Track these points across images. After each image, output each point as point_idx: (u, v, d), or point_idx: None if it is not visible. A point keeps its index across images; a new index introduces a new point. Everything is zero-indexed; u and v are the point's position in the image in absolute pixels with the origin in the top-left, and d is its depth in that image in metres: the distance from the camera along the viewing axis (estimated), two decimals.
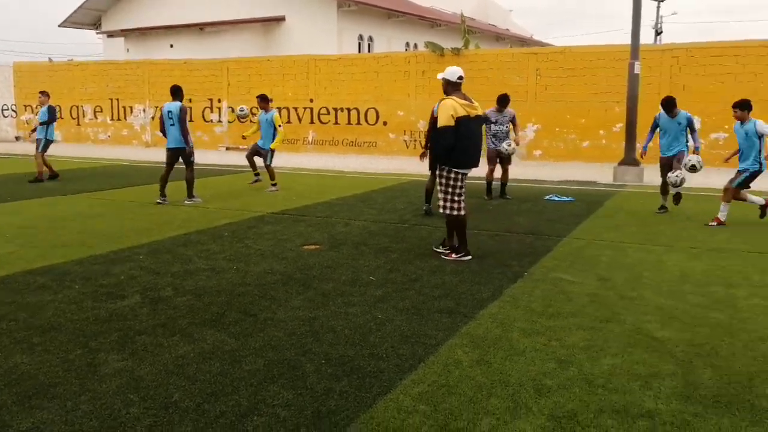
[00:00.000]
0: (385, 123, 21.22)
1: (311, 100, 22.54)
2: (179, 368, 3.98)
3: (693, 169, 9.09)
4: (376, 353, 4.24)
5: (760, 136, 8.58)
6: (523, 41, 46.34)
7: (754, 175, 8.79)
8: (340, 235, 8.06)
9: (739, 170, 8.91)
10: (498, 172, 11.43)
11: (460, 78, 6.63)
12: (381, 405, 3.51)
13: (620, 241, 7.80)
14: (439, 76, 6.73)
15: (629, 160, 14.63)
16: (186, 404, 3.51)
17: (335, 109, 22.17)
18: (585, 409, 3.48)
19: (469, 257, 6.83)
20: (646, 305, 5.30)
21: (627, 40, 15.37)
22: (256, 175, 12.59)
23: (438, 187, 6.85)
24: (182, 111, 10.40)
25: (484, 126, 11.02)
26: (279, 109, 22.84)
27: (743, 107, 8.70)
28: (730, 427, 3.30)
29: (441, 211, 6.85)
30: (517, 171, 15.18)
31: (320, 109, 22.41)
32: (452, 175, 6.65)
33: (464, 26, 23.34)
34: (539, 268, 6.52)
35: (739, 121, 8.82)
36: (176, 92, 10.64)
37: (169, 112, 10.48)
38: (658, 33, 50.33)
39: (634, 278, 6.13)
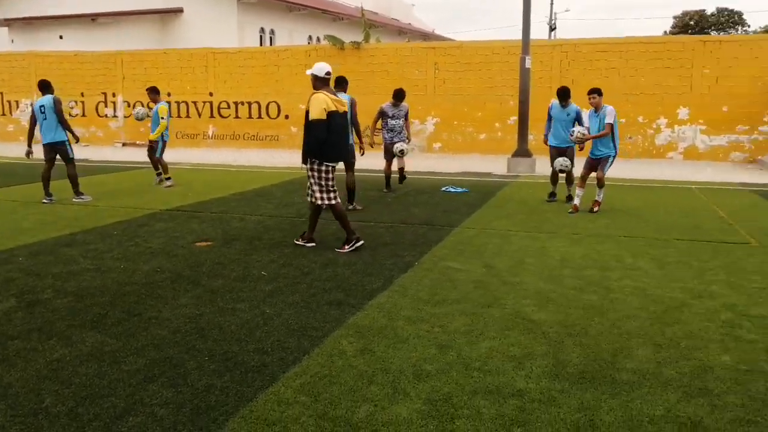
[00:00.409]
0: (287, 116, 21.08)
1: (211, 94, 22.07)
2: (53, 372, 3.85)
3: (580, 140, 9.43)
4: (261, 348, 4.25)
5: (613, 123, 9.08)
6: (426, 36, 47.08)
7: (613, 159, 9.35)
8: (235, 231, 7.97)
9: (599, 157, 9.35)
10: (397, 164, 11.60)
11: (328, 74, 6.82)
12: (262, 398, 3.53)
13: (508, 230, 8.11)
14: (308, 72, 6.87)
15: (522, 151, 15.20)
16: (57, 409, 3.40)
17: (236, 103, 21.81)
18: (460, 392, 3.63)
19: (361, 242, 6.98)
20: (527, 290, 5.56)
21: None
22: (158, 174, 12.19)
23: (310, 180, 6.93)
24: (56, 103, 10.04)
25: (379, 120, 11.22)
26: (178, 103, 22.27)
27: (600, 93, 9.21)
28: (592, 401, 3.53)
29: (319, 203, 6.94)
30: (417, 164, 15.47)
31: (220, 103, 21.99)
32: (323, 168, 6.81)
33: (364, 20, 23.46)
34: (430, 257, 6.70)
35: (593, 108, 9.30)
36: (45, 87, 10.27)
37: (41, 107, 10.04)
38: (552, 29, 52.35)
39: (518, 264, 6.41)
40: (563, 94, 10.01)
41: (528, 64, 15.31)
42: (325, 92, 6.69)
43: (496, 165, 15.79)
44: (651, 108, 18.22)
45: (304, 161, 6.88)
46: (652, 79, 18.27)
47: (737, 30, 53.35)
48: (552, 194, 10.42)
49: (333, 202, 6.92)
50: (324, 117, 6.56)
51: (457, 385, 3.72)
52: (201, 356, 4.10)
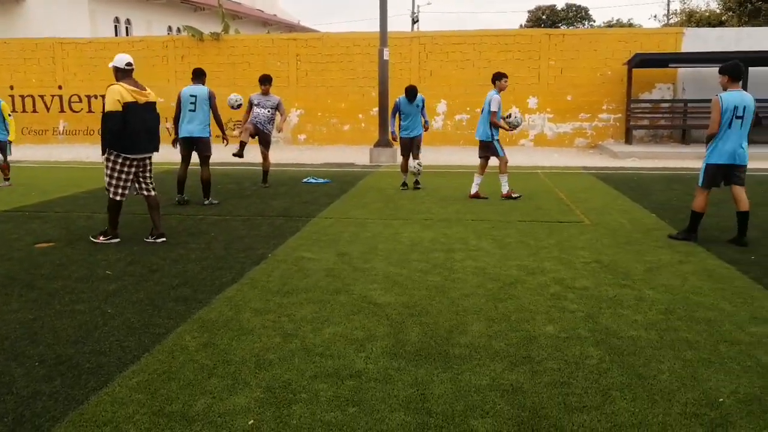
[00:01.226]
0: None
1: (60, 87, 20.77)
2: None
3: (513, 124, 9.90)
4: (98, 349, 4.11)
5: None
6: (291, 27, 46.69)
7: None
8: (81, 230, 7.60)
9: (489, 141, 9.80)
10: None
11: (129, 65, 6.82)
12: (94, 400, 3.43)
13: (365, 218, 8.30)
14: (110, 64, 6.82)
15: (383, 142, 15.53)
16: None
17: (88, 97, 20.69)
18: (300, 377, 3.71)
19: (118, 240, 6.99)
20: (376, 275, 5.73)
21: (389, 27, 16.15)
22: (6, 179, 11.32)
23: (105, 171, 6.90)
24: None
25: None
26: (22, 97, 20.79)
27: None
28: (425, 376, 3.72)
29: (111, 196, 6.90)
30: (282, 155, 15.41)
31: (71, 96, 20.78)
32: (119, 160, 6.78)
33: (221, 10, 22.95)
34: (284, 249, 6.72)
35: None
36: None
37: None
38: (414, 21, 53.61)
39: (370, 250, 6.58)
40: (411, 93, 10.37)
41: (386, 56, 15.63)
42: (123, 84, 6.66)
43: (359, 155, 16.03)
44: (504, 97, 19.12)
45: (103, 152, 6.76)
46: (505, 70, 19.14)
47: (584, 24, 57.07)
48: (404, 184, 10.78)
49: (117, 198, 6.88)
50: (118, 108, 6.56)
51: (298, 371, 3.79)
52: (30, 362, 3.91)
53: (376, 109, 17.32)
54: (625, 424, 3.13)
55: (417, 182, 10.77)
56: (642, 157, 16.13)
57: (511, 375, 3.71)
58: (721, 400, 3.35)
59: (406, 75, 19.08)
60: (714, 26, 24.28)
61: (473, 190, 9.91)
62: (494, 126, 9.67)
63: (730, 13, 25.24)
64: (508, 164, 9.88)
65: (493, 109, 9.57)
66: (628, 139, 18.51)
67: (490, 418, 3.21)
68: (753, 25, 23.14)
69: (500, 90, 9.71)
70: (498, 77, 9.78)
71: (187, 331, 4.42)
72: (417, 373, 3.76)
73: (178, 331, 4.41)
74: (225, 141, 9.75)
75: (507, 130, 9.86)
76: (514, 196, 9.75)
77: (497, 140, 9.77)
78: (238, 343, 4.20)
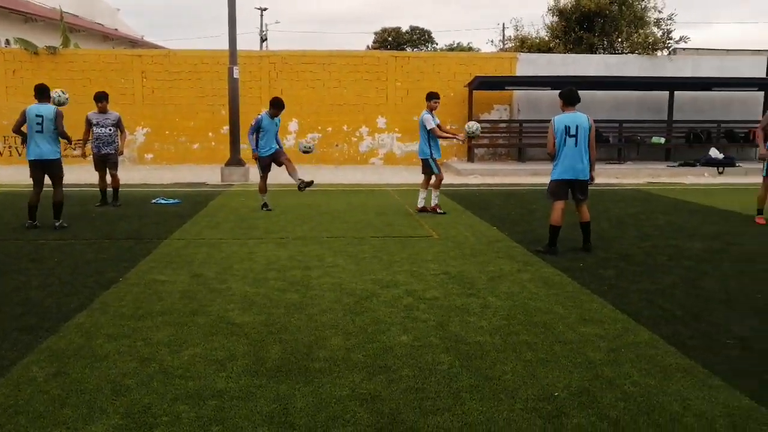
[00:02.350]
0: None
1: None
2: None
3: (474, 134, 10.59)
4: None
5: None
6: (134, 42, 44.73)
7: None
8: None
9: (426, 159, 10.35)
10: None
11: None
12: None
13: (218, 238, 8.21)
14: None
15: (234, 160, 15.37)
16: None
17: None
18: (160, 400, 3.66)
19: None
20: (233, 294, 5.72)
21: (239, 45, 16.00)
22: None
23: None
24: None
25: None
26: None
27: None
28: (287, 390, 3.81)
29: None
30: (128, 175, 14.75)
31: None
32: None
33: (63, 24, 21.66)
34: (136, 272, 6.51)
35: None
36: None
37: None
38: (263, 40, 53.45)
39: (225, 271, 6.55)
40: (279, 106, 10.25)
41: (236, 74, 15.53)
42: None
43: (210, 174, 15.74)
44: (354, 117, 19.67)
45: None
46: (354, 90, 19.72)
47: (428, 47, 59.75)
48: (265, 204, 10.57)
49: None
50: None
51: (158, 394, 3.73)
52: None
53: (227, 127, 17.09)
54: (475, 422, 3.40)
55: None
56: (483, 174, 17.18)
57: (369, 384, 3.89)
58: (557, 394, 3.73)
59: (256, 93, 19.02)
60: (544, 52, 26.40)
61: (420, 204, 10.44)
62: (439, 137, 10.27)
63: (557, 41, 27.60)
64: (442, 182, 10.50)
65: (429, 127, 10.08)
66: (471, 157, 19.64)
67: (351, 426, 3.36)
68: (576, 52, 25.44)
69: (431, 110, 10.23)
70: (429, 98, 10.32)
71: (34, 361, 4.19)
72: (278, 388, 3.84)
73: (24, 363, 4.17)
74: (76, 148, 9.21)
75: (460, 140, 10.87)
76: (439, 211, 10.28)
77: (434, 159, 10.29)
78: (92, 371, 4.05)
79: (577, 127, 7.24)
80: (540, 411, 3.52)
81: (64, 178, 9.04)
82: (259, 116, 10.33)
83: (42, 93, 8.83)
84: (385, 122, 19.90)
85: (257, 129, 10.26)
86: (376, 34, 59.67)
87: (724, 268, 6.82)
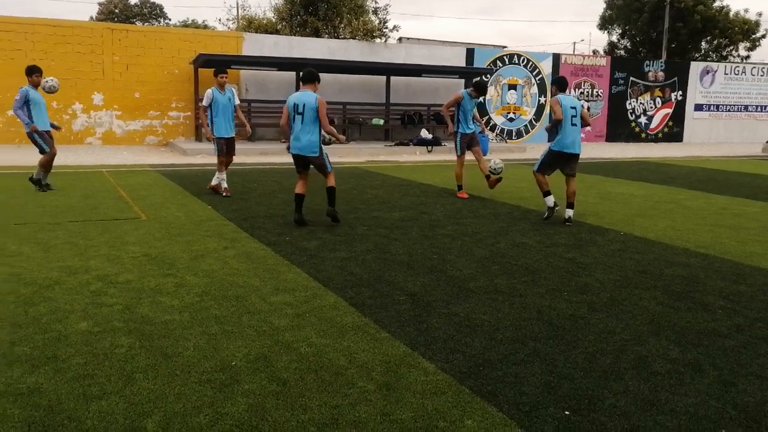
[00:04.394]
0: None
1: None
2: None
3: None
4: None
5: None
6: None
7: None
8: None
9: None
10: None
11: None
12: None
13: None
14: None
15: None
16: None
17: None
18: None
19: None
20: None
21: None
22: None
23: None
24: None
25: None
26: None
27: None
28: None
29: None
30: None
31: None
32: None
33: None
34: None
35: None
36: None
37: None
38: None
39: None
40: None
41: None
42: None
43: None
44: (65, 93, 17.91)
45: None
46: (64, 63, 17.96)
47: (159, 22, 56.64)
48: None
49: None
50: None
51: None
52: None
53: None
54: (142, 401, 3.25)
55: None
56: (210, 154, 16.73)
57: (31, 377, 3.52)
58: (234, 363, 3.72)
59: None
60: (271, 33, 26.50)
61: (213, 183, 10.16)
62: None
63: (284, 23, 27.90)
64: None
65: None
66: (198, 137, 19.06)
67: None
68: (302, 35, 25.97)
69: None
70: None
71: None
72: None
73: None
74: None
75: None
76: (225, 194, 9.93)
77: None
78: None
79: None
80: (214, 382, 3.48)
81: None
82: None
83: None
84: (102, 99, 18.42)
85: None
86: (100, 5, 54.93)
87: (412, 234, 7.45)
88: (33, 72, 9.87)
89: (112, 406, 3.21)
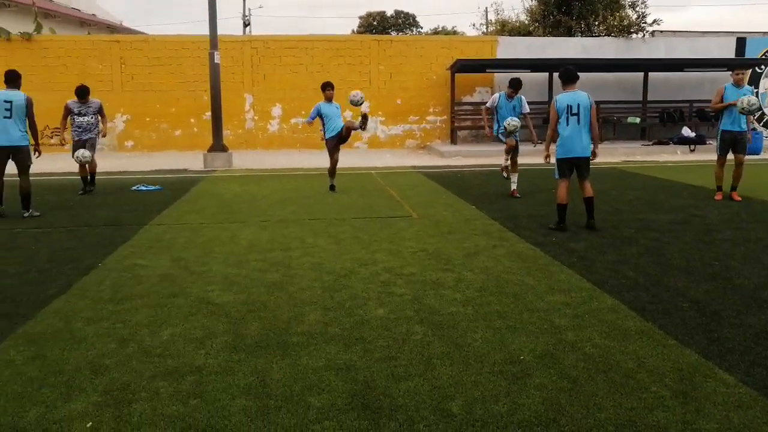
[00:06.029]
0: None
1: None
2: None
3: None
4: None
5: None
6: (113, 28, 44.31)
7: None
8: None
9: None
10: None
11: None
12: None
13: (199, 223, 8.27)
14: None
15: (217, 146, 15.37)
16: None
17: None
18: (139, 378, 3.75)
19: None
20: (213, 276, 5.81)
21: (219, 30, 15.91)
22: None
23: None
24: None
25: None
26: None
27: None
28: (265, 364, 3.91)
29: None
30: (108, 163, 14.76)
31: None
32: None
33: (35, 9, 21.43)
34: (115, 257, 6.57)
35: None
36: None
37: None
38: (246, 24, 53.05)
39: (206, 254, 6.62)
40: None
41: (217, 59, 15.48)
42: None
43: (192, 161, 15.74)
44: (340, 101, 19.63)
45: None
46: (338, 74, 19.71)
47: (412, 31, 59.53)
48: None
49: None
50: None
51: (136, 373, 3.82)
52: None
53: (209, 113, 17.08)
54: (444, 385, 3.53)
55: None
56: (465, 156, 17.28)
57: (345, 355, 4.00)
58: (522, 357, 3.87)
59: (238, 78, 18.99)
60: (524, 35, 26.47)
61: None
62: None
63: (537, 24, 27.68)
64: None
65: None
66: (454, 140, 19.74)
67: (326, 394, 3.47)
68: (555, 35, 25.54)
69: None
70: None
71: (11, 346, 4.26)
72: (257, 362, 3.94)
73: (1, 347, 4.24)
74: (38, 153, 9.18)
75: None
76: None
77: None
78: (71, 353, 4.13)
79: (578, 105, 7.37)
80: (506, 373, 3.65)
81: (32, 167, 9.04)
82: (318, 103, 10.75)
83: (12, 79, 8.79)
84: (367, 106, 19.90)
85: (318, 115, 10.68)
86: (360, 18, 59.38)
87: (685, 238, 7.00)
88: (326, 88, 10.81)
89: (418, 387, 3.53)
